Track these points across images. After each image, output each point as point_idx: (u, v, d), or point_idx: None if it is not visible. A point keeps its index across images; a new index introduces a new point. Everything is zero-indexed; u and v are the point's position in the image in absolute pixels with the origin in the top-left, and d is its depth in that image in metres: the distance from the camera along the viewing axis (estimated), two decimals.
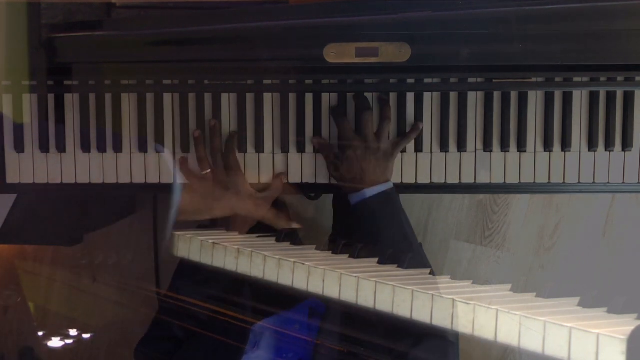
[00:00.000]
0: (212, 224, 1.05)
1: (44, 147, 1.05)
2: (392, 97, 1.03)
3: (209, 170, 1.02)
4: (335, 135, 1.04)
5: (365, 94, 1.03)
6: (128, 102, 1.05)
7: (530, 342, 0.59)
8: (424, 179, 1.04)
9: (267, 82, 1.04)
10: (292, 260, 0.77)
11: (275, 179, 1.04)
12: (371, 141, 1.00)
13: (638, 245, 1.64)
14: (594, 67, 1.00)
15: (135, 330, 1.21)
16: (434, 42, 0.97)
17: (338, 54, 0.97)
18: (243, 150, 1.05)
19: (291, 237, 0.89)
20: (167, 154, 1.04)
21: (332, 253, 0.85)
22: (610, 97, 1.02)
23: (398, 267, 0.80)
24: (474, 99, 1.03)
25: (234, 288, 0.94)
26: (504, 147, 1.03)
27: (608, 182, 1.04)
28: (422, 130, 1.03)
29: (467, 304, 0.64)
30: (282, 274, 0.78)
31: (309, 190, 1.07)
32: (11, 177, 1.06)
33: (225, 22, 1.00)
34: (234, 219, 1.03)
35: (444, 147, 1.03)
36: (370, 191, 0.98)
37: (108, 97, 1.05)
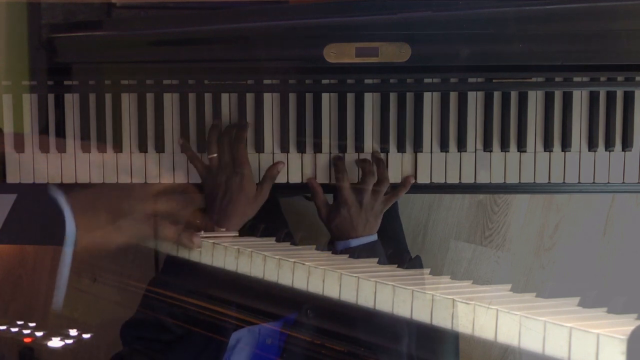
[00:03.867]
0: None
1: (44, 147, 1.05)
2: (392, 97, 1.04)
3: (215, 155, 1.01)
4: (335, 137, 1.04)
5: (366, 94, 1.03)
6: (128, 102, 1.05)
7: (530, 342, 0.59)
8: (424, 179, 1.04)
9: (267, 82, 1.04)
10: (292, 260, 0.77)
11: (271, 168, 1.04)
12: (367, 200, 1.02)
13: (638, 245, 1.64)
14: (594, 67, 1.00)
15: None
16: (434, 42, 0.97)
17: (338, 54, 0.97)
18: None
19: (290, 237, 0.89)
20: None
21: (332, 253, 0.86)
22: (610, 97, 1.02)
23: (398, 267, 0.80)
24: (474, 99, 1.03)
25: (218, 285, 0.94)
26: (504, 147, 1.03)
27: (608, 182, 1.04)
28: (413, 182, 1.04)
29: (467, 304, 0.64)
30: (282, 274, 0.78)
31: (309, 190, 1.07)
32: (11, 177, 1.06)
33: (225, 22, 1.00)
34: (234, 208, 1.00)
35: (444, 147, 1.03)
36: (356, 241, 1.02)
37: (108, 97, 1.05)
